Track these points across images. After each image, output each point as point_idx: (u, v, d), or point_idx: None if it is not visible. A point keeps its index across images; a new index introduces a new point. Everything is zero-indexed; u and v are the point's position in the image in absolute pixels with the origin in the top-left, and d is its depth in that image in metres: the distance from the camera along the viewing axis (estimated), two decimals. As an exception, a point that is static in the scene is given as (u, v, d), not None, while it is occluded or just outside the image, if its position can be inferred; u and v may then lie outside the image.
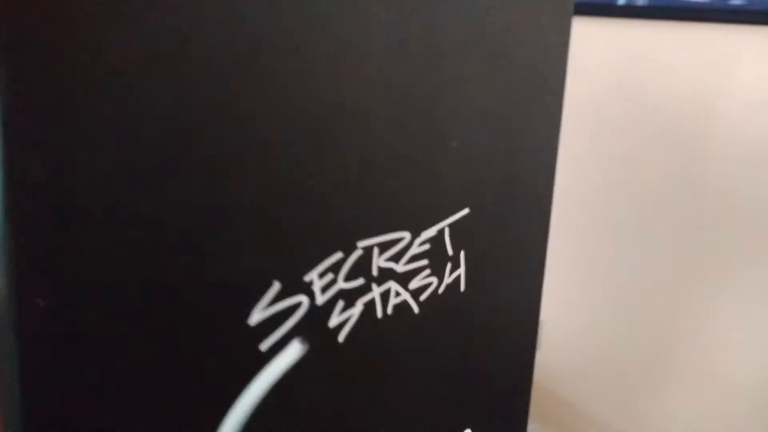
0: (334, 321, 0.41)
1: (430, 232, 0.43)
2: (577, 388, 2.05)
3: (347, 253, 0.40)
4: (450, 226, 0.44)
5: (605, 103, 1.64)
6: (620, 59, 1.55)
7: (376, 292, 0.42)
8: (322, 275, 0.39)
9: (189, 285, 0.35)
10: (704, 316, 1.82)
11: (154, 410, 0.37)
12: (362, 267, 0.41)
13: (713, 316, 1.77)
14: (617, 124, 1.67)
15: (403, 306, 0.43)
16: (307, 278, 0.39)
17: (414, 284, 0.44)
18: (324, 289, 0.40)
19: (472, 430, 0.50)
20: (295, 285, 0.38)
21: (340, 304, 0.40)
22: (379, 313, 0.43)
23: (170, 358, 0.35)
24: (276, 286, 0.38)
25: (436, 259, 0.44)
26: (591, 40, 1.59)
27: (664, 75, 1.51)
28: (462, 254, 0.45)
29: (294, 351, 0.40)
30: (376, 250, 0.41)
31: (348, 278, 0.40)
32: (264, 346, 0.39)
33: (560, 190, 1.93)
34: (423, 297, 0.44)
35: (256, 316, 0.38)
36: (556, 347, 2.02)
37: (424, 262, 0.44)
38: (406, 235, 0.42)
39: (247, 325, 0.38)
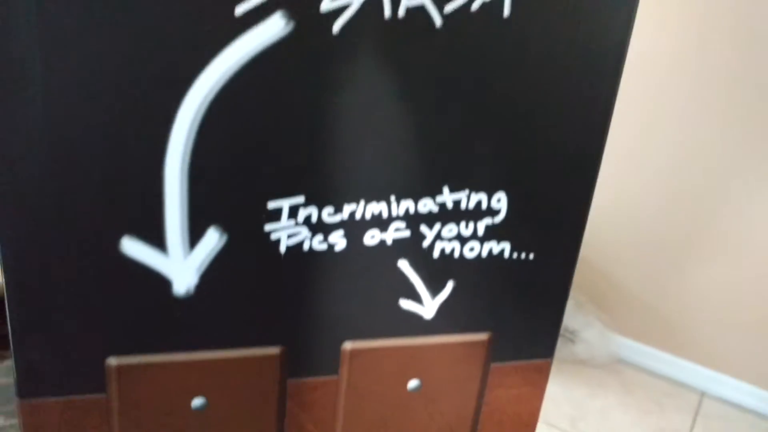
0: (326, 5, 0.36)
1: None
2: (608, 256, 1.96)
3: None
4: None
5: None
6: None
7: (383, -18, 0.37)
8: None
9: None
10: (747, 193, 1.69)
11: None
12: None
13: (755, 192, 1.64)
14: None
15: (419, 12, 0.38)
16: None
17: (435, -12, 0.38)
18: (315, -42, 0.35)
19: (504, 192, 0.44)
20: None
21: (336, -16, 0.36)
22: (387, 13, 0.38)
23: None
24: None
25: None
26: None
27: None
28: (506, -30, 0.39)
29: (275, 25, 0.36)
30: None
31: (346, -47, 0.36)
32: (239, 9, 0.35)
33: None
34: (448, 9, 0.38)
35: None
36: (591, 215, 1.92)
37: (451, -38, 0.38)
38: None
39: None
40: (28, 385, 0.43)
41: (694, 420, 1.94)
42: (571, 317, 2.09)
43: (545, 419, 1.98)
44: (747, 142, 1.71)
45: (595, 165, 0.45)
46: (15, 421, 0.47)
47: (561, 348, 2.14)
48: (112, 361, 0.43)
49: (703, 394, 2.04)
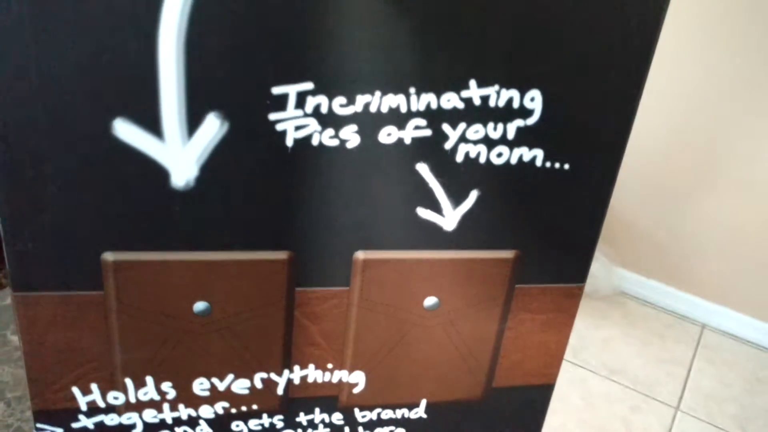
0: None
1: None
2: (618, 193, 1.84)
3: None
4: None
5: None
6: None
7: None
8: None
9: None
10: (752, 127, 1.57)
11: None
12: None
13: (760, 127, 1.53)
14: None
15: None
16: None
17: None
18: None
19: (539, 91, 0.34)
20: None
21: None
22: None
23: None
24: None
25: None
26: None
27: None
28: None
29: None
30: None
31: None
32: None
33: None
34: None
35: None
36: None
37: None
38: None
39: None
40: (21, 278, 0.35)
41: (695, 351, 1.84)
42: (579, 251, 1.99)
43: (554, 345, 1.90)
44: (755, 79, 1.56)
45: (644, 64, 0.35)
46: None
47: (568, 281, 2.05)
48: (109, 256, 0.35)
49: (704, 326, 1.93)
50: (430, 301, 0.39)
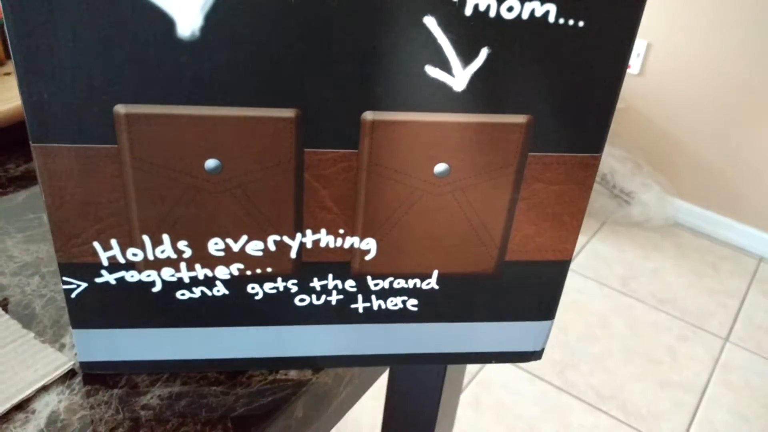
0: None
1: None
2: (672, 117, 1.79)
3: None
4: None
5: None
6: None
7: None
8: None
9: None
10: None
11: None
12: None
13: None
14: None
15: None
16: None
17: None
18: None
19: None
20: None
21: None
22: None
23: None
24: None
25: None
26: None
27: None
28: None
29: None
30: None
31: None
32: None
33: None
34: None
35: None
36: (658, 73, 1.75)
37: None
38: None
39: None
40: (39, 129, 0.37)
41: (750, 284, 1.80)
42: (629, 178, 1.95)
43: (596, 278, 1.89)
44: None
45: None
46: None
47: (617, 210, 2.03)
48: (121, 109, 0.37)
49: (761, 259, 1.89)
50: (440, 167, 0.40)
